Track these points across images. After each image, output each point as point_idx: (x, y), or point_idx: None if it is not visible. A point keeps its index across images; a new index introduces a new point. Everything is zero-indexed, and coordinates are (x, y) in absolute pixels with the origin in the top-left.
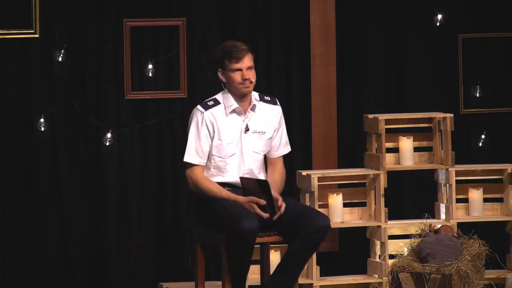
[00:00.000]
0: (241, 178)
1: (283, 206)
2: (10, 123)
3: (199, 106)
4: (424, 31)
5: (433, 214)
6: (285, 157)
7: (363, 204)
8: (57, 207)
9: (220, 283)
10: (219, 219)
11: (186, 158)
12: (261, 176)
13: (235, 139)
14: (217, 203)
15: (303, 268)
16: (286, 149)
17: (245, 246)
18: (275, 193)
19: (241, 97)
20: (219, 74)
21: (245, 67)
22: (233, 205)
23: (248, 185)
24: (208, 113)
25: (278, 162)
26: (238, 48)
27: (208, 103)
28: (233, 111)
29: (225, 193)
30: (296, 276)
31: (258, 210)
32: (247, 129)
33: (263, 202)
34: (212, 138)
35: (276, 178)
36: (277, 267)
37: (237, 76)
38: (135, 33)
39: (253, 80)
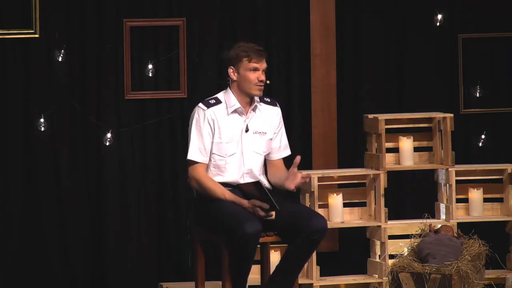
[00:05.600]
0: (239, 185)
1: (300, 178)
2: (10, 123)
3: (200, 104)
4: (424, 31)
5: (433, 214)
6: (285, 157)
7: (363, 204)
8: (57, 207)
9: (220, 283)
10: (220, 221)
11: (190, 156)
12: (262, 178)
13: (235, 139)
14: (218, 204)
15: (302, 268)
16: (286, 152)
17: (247, 250)
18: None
19: (248, 97)
20: (230, 72)
21: (262, 69)
22: (235, 206)
23: (248, 190)
24: (209, 111)
25: (279, 163)
26: (258, 48)
27: (210, 101)
28: (235, 111)
29: (228, 195)
30: (295, 276)
31: (262, 213)
32: (247, 129)
33: (266, 205)
34: (212, 136)
35: (282, 173)
36: (276, 268)
37: (253, 76)
38: (135, 33)
39: (267, 82)
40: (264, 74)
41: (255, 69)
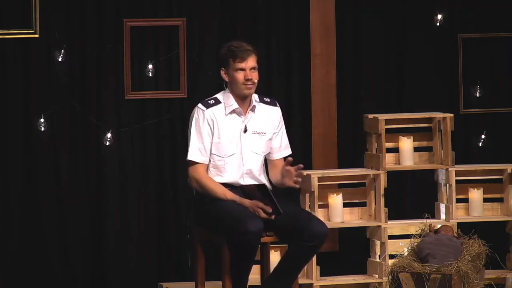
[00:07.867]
0: (241, 187)
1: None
2: (10, 123)
3: (200, 105)
4: (424, 31)
5: (433, 214)
6: (286, 156)
7: (363, 204)
8: (57, 207)
9: (220, 283)
10: (221, 220)
11: (190, 156)
12: (262, 178)
13: (234, 139)
14: (218, 203)
15: (301, 270)
16: (286, 151)
17: (248, 248)
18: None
19: (242, 97)
20: (222, 73)
21: (248, 68)
22: (236, 206)
23: (250, 192)
24: (209, 111)
25: (280, 163)
26: (243, 48)
27: (209, 101)
28: (233, 111)
29: (229, 194)
30: (294, 277)
31: (263, 215)
32: (245, 130)
33: (269, 209)
34: (212, 136)
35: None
36: (276, 268)
37: (240, 76)
38: (135, 33)
39: (255, 81)
40: (254, 72)
41: (241, 69)
